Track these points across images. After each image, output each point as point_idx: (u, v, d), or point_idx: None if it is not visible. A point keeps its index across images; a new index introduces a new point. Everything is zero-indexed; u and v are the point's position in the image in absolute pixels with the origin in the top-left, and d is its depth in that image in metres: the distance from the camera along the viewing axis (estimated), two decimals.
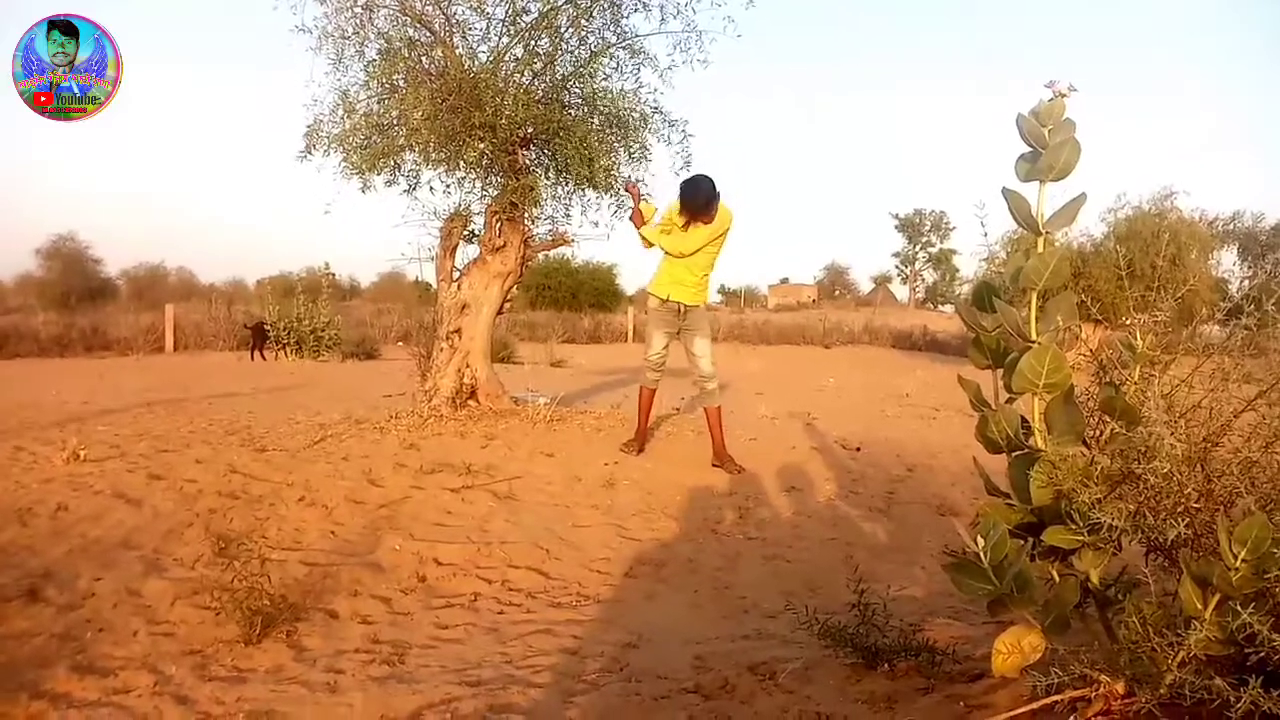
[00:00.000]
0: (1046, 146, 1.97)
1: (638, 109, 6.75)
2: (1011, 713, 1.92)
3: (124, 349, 16.32)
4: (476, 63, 6.60)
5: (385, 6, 6.48)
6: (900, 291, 78.98)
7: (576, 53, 6.72)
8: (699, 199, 5.55)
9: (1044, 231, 1.99)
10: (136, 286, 38.43)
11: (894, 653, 2.54)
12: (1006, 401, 2.08)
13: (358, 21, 6.47)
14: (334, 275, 20.04)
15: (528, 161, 7.02)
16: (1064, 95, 1.96)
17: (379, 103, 6.63)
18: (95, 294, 35.07)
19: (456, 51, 6.59)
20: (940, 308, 63.87)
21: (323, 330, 15.37)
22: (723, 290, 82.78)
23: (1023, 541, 1.93)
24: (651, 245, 5.82)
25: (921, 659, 2.50)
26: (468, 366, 6.93)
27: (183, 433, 6.52)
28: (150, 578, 3.91)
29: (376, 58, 6.54)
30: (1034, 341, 1.96)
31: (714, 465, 5.71)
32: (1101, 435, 2.03)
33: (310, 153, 6.73)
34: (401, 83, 6.49)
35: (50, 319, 18.51)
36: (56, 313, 21.67)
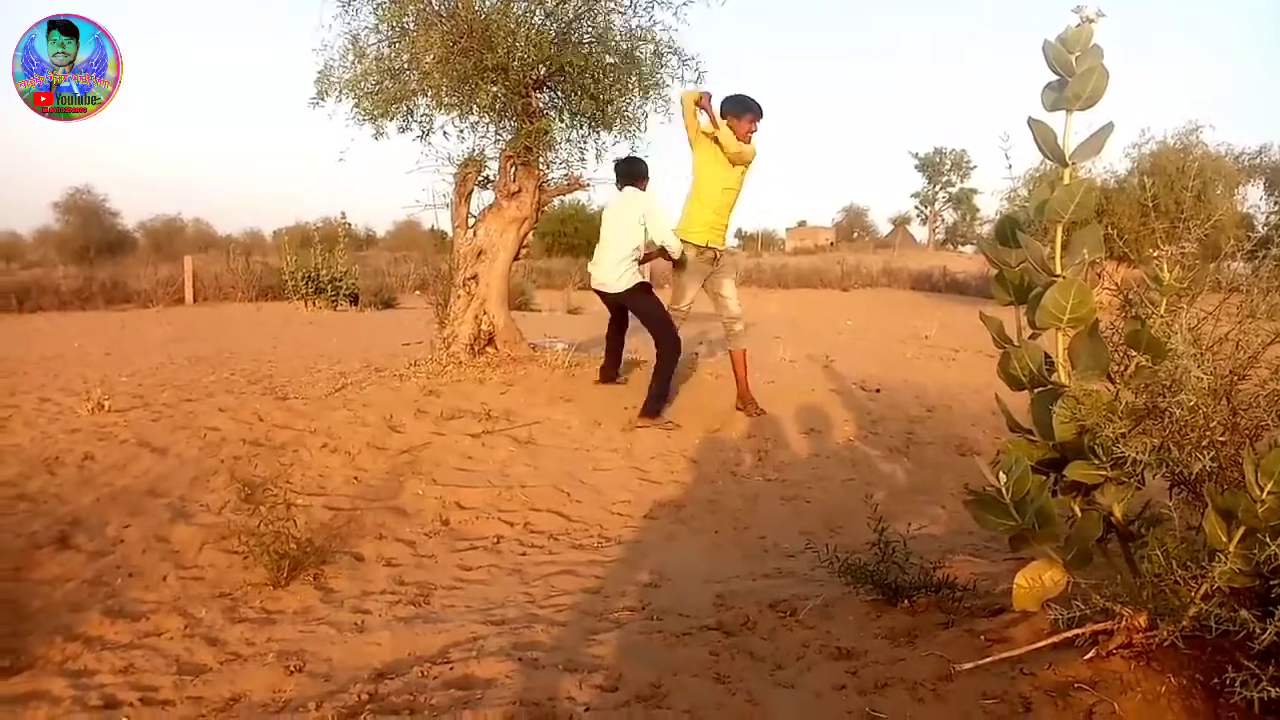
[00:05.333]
0: (1073, 74, 1.91)
1: (651, 45, 6.63)
2: (1032, 646, 1.93)
3: (144, 301, 16.42)
4: (488, 3, 6.48)
5: None
6: (919, 233, 78.04)
7: None
8: (754, 104, 5.60)
9: (1070, 162, 1.94)
10: (154, 239, 38.48)
11: (914, 589, 2.54)
12: (1030, 338, 2.05)
13: None
14: (350, 225, 20.03)
15: (541, 104, 6.92)
16: (1091, 20, 1.90)
17: (389, 46, 6.54)
18: (114, 247, 35.13)
19: None
20: (960, 248, 63.21)
21: (340, 280, 15.38)
22: (739, 234, 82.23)
23: (1044, 477, 1.92)
24: (721, 149, 5.59)
25: (942, 595, 2.51)
26: (485, 313, 6.92)
27: (205, 382, 6.58)
28: (178, 524, 3.98)
29: (386, 0, 6.44)
30: (1059, 276, 1.93)
31: (737, 409, 5.70)
32: (1126, 370, 2.00)
33: (322, 99, 6.66)
34: (412, 25, 6.38)
35: (70, 273, 18.65)
36: (76, 266, 21.80)
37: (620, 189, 5.99)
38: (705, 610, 2.79)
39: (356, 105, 6.54)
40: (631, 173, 5.98)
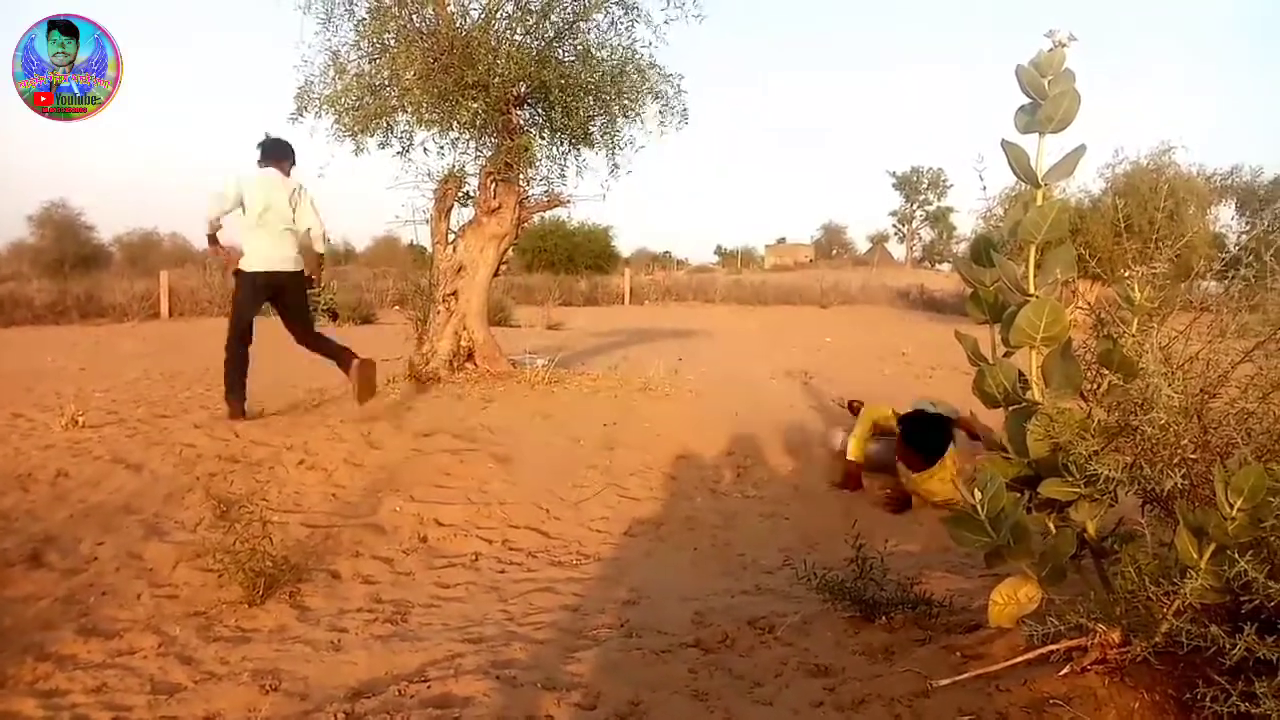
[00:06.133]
0: (1046, 97, 1.95)
1: (632, 64, 6.68)
2: (1008, 662, 1.95)
3: (119, 315, 16.24)
4: (469, 20, 6.51)
5: None
6: (897, 250, 78.68)
7: (570, 8, 6.63)
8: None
9: (1043, 184, 1.98)
10: (130, 253, 38.01)
11: (891, 605, 2.56)
12: (1004, 356, 2.07)
13: None
14: (329, 240, 19.88)
15: (522, 121, 6.96)
16: (1064, 45, 1.93)
17: (370, 62, 6.56)
18: (89, 261, 34.65)
19: (448, 8, 6.50)
20: (937, 266, 63.73)
21: (318, 295, 15.29)
22: (719, 251, 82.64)
23: (1019, 494, 1.94)
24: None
25: (919, 611, 2.53)
26: (464, 329, 6.91)
27: (180, 398, 6.53)
28: (152, 541, 3.93)
29: (366, 16, 6.46)
30: (1032, 295, 1.95)
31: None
32: (1099, 388, 2.03)
33: (301, 115, 6.66)
34: (392, 42, 6.40)
35: (44, 286, 18.40)
36: (50, 280, 21.52)
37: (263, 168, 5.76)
38: (684, 627, 2.79)
39: (337, 121, 6.54)
40: (278, 153, 5.81)
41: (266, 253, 5.64)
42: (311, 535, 4.02)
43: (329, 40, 6.59)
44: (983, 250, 2.12)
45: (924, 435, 4.44)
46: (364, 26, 6.44)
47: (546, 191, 7.18)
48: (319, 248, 5.98)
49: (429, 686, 2.40)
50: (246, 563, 3.30)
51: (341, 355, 5.79)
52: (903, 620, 2.52)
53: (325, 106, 6.54)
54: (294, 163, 5.88)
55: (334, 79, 6.56)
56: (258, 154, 5.79)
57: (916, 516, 4.36)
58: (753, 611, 2.86)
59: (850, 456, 4.81)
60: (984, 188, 2.31)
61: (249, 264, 5.63)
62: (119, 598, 3.45)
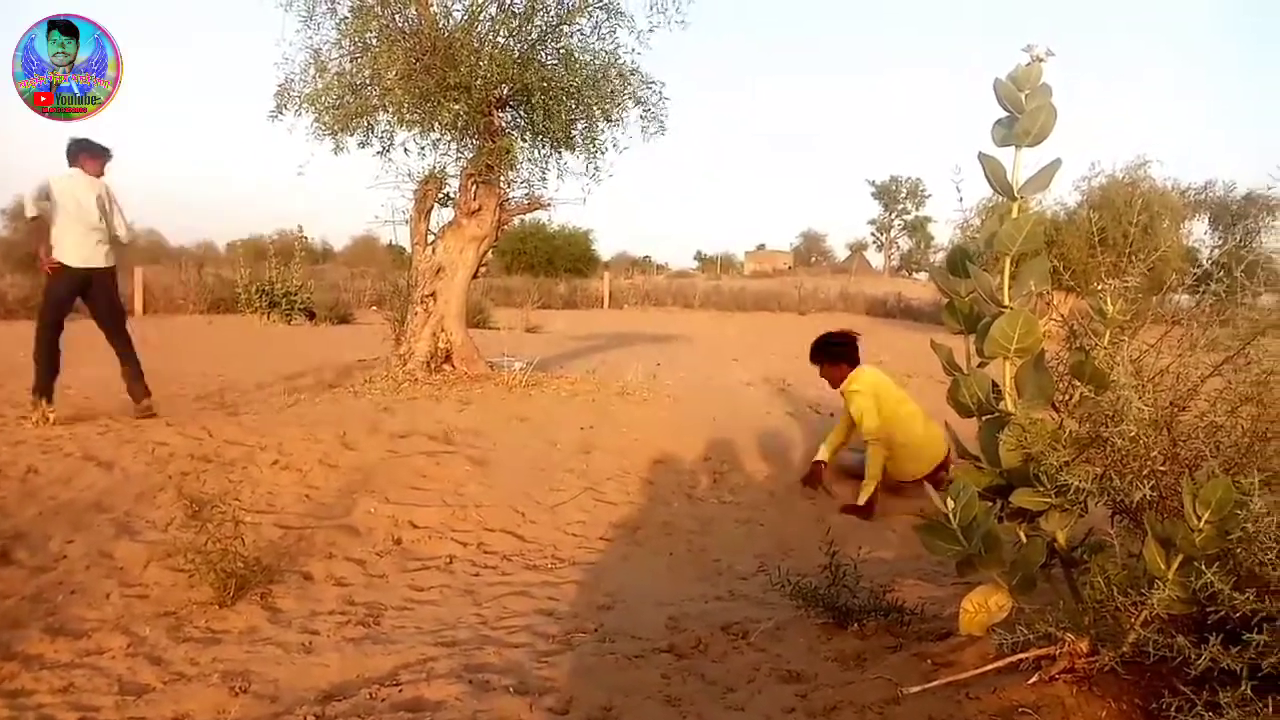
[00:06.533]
0: (1023, 111, 1.97)
1: (615, 69, 6.69)
2: (978, 670, 1.96)
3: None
4: (451, 21, 6.51)
5: None
6: (876, 259, 79.10)
7: (553, 11, 6.63)
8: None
9: (1019, 196, 2.00)
10: None
11: (864, 613, 2.58)
12: (978, 366, 2.10)
13: None
14: (307, 238, 19.81)
15: (504, 124, 6.95)
16: (1041, 60, 1.96)
17: (351, 62, 6.54)
18: None
19: (431, 9, 6.49)
20: (915, 275, 64.16)
21: (295, 294, 15.19)
22: (699, 256, 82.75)
23: (991, 503, 1.96)
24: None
25: (890, 618, 2.55)
26: (443, 330, 6.89)
27: (154, 396, 6.45)
28: (122, 540, 3.88)
29: (349, 15, 6.43)
30: (1007, 306, 1.98)
31: None
32: (1071, 400, 2.05)
33: (281, 113, 6.63)
34: (374, 41, 6.38)
35: (16, 281, 18.15)
36: (22, 275, 21.23)
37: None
38: (658, 632, 2.79)
39: (317, 119, 6.51)
40: (84, 153, 5.85)
41: (76, 249, 5.78)
42: (285, 536, 3.99)
43: (310, 38, 6.57)
44: (959, 261, 2.14)
45: (826, 350, 5.00)
46: (346, 25, 6.41)
47: (527, 194, 7.18)
48: (123, 239, 6.09)
49: (401, 690, 2.39)
50: (218, 563, 3.27)
51: (135, 386, 5.99)
52: (875, 627, 2.54)
53: (305, 104, 6.51)
54: (107, 161, 5.93)
55: (314, 77, 6.54)
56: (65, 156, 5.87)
57: (889, 523, 4.38)
58: (727, 617, 2.87)
59: (819, 456, 4.89)
60: (961, 199, 2.34)
61: (62, 258, 5.78)
62: (88, 597, 3.41)
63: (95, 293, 5.93)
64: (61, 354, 5.85)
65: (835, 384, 4.96)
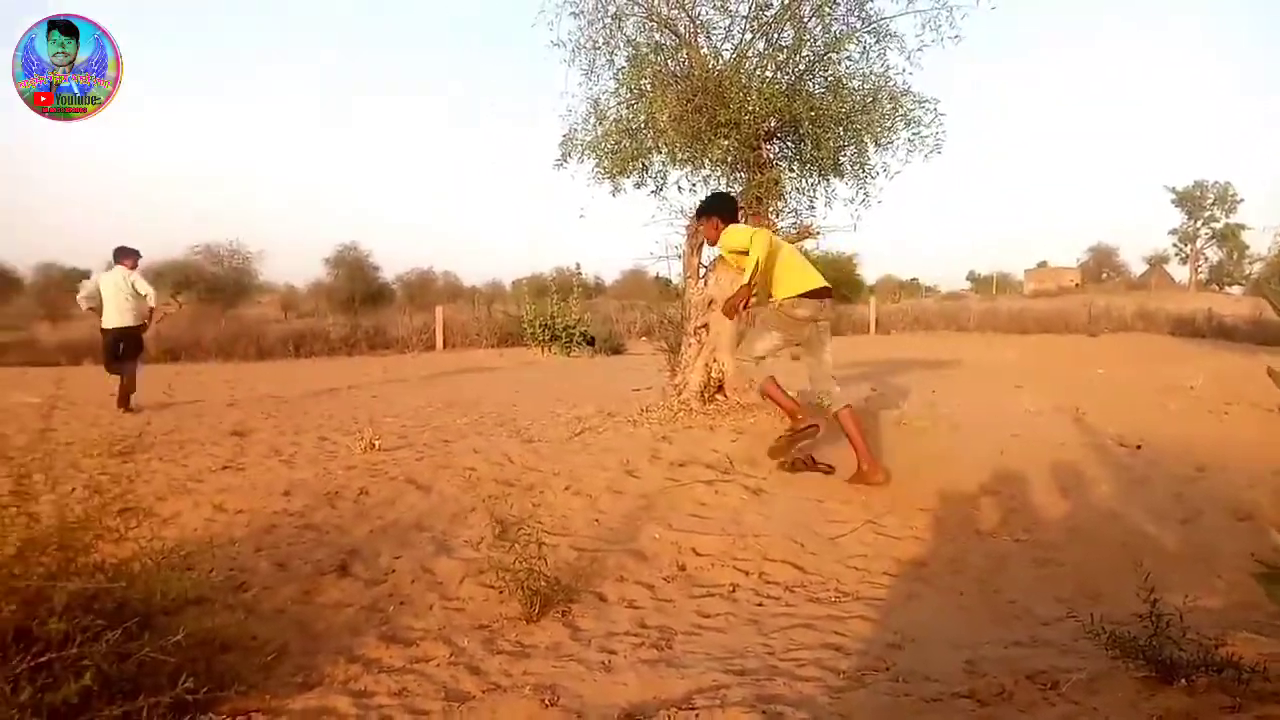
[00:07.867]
0: None
1: (885, 92, 6.59)
2: None
3: (401, 347, 17.97)
4: (720, 61, 6.71)
5: (633, 15, 6.74)
6: (1179, 272, 71.10)
7: (820, 41, 6.66)
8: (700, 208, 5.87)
9: None
10: (409, 290, 41.99)
11: (1192, 667, 2.34)
12: None
13: (608, 31, 6.79)
14: (582, 274, 21.02)
15: (771, 155, 7.05)
16: None
17: (628, 108, 6.91)
18: (375, 297, 38.68)
19: (701, 52, 6.74)
20: (1227, 289, 57.11)
21: (573, 326, 16.17)
22: (971, 276, 78.65)
23: None
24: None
25: (1225, 675, 2.29)
26: (715, 361, 7.05)
27: (459, 424, 7.13)
28: (441, 557, 4.31)
29: (625, 64, 6.82)
30: None
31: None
32: None
33: (565, 160, 7.12)
34: (649, 86, 6.72)
35: (338, 321, 20.75)
36: (343, 315, 24.21)
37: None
38: (955, 676, 2.69)
39: (597, 165, 6.93)
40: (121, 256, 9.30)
41: (113, 317, 9.11)
42: (579, 558, 4.24)
43: (591, 89, 7.04)
44: None
45: (709, 204, 5.67)
46: (623, 74, 6.80)
47: (796, 223, 7.21)
48: (151, 303, 9.39)
49: (697, 715, 2.46)
50: (524, 581, 3.53)
51: (124, 394, 8.97)
52: (1206, 684, 2.30)
53: (587, 151, 6.97)
54: (138, 259, 9.42)
55: (595, 125, 6.99)
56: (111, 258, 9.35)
57: (1213, 567, 3.93)
58: (1031, 664, 2.71)
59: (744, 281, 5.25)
60: None
61: (106, 323, 9.15)
62: (414, 608, 3.81)
63: (126, 342, 9.20)
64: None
65: (712, 241, 5.73)
